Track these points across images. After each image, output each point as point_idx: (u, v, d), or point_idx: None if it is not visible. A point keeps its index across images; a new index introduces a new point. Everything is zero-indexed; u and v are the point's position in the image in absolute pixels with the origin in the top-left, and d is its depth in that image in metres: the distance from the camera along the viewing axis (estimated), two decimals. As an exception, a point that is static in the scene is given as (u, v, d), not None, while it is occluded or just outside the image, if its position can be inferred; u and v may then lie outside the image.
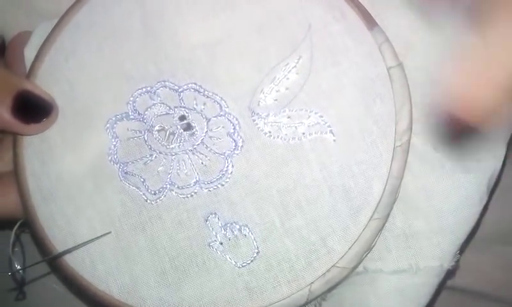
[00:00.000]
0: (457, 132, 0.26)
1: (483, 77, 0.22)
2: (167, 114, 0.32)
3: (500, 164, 0.31)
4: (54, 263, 0.32)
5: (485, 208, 0.32)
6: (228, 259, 0.30)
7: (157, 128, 0.32)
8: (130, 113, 0.32)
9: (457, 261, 0.32)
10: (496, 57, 0.22)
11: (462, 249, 0.32)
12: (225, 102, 0.31)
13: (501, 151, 0.31)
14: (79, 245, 0.31)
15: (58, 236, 0.32)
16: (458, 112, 0.23)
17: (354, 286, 0.31)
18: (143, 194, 0.31)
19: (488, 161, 0.31)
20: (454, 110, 0.23)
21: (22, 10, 0.37)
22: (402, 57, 0.31)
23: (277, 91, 0.31)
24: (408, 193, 0.31)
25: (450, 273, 0.32)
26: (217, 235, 0.31)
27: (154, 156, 0.32)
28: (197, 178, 0.31)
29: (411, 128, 0.30)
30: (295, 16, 0.31)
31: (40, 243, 0.32)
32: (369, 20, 0.30)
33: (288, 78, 0.31)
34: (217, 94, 0.31)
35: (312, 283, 0.30)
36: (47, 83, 0.33)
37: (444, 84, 0.24)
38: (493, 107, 0.22)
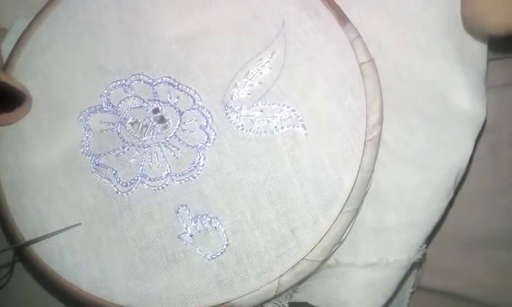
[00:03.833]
0: None
1: None
2: (140, 106, 0.29)
3: (467, 160, 0.30)
4: (23, 255, 0.29)
5: (450, 205, 0.31)
6: (198, 251, 0.28)
7: (130, 120, 0.29)
8: (103, 106, 0.29)
9: (424, 255, 0.30)
10: None
11: (428, 241, 0.30)
12: (199, 95, 0.29)
13: (469, 149, 0.30)
14: (46, 235, 0.28)
15: (28, 228, 0.29)
16: None
17: (325, 279, 0.29)
18: (114, 185, 0.29)
19: (456, 158, 0.29)
20: None
21: (10, 0, 0.34)
22: (374, 56, 0.28)
23: (250, 85, 0.28)
24: (380, 188, 0.29)
25: (415, 265, 0.30)
26: (188, 227, 0.28)
27: (126, 148, 0.29)
28: (169, 171, 0.29)
29: (381, 123, 0.28)
30: (269, 13, 0.29)
31: (10, 234, 0.29)
32: (341, 17, 0.28)
33: (261, 73, 0.28)
34: (191, 88, 0.29)
35: (281, 275, 0.27)
36: (23, 75, 0.30)
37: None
38: None
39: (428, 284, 0.37)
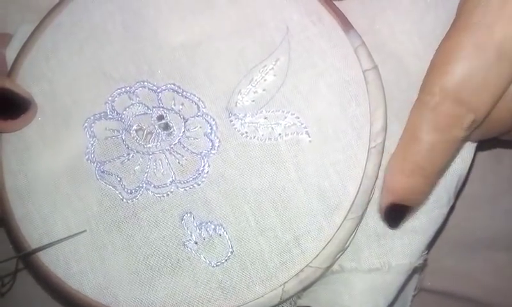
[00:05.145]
0: (398, 215, 0.27)
1: (399, 171, 0.26)
2: (145, 113, 0.29)
3: (468, 167, 0.30)
4: (29, 262, 0.28)
5: (451, 209, 0.30)
6: (203, 258, 0.27)
7: (134, 127, 0.29)
8: (108, 113, 0.29)
9: (425, 260, 0.30)
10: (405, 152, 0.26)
11: (429, 247, 0.30)
12: (203, 102, 0.28)
13: (469, 155, 0.29)
14: (51, 243, 0.27)
15: (33, 235, 0.28)
16: (391, 200, 0.26)
17: (329, 285, 0.29)
18: (119, 193, 0.28)
19: (456, 164, 0.29)
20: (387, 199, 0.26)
21: (14, 5, 0.33)
22: (379, 62, 0.28)
23: (254, 92, 0.28)
24: None
25: (417, 270, 0.30)
26: (192, 234, 0.27)
27: (131, 155, 0.29)
28: (173, 178, 0.28)
29: (385, 130, 0.27)
30: (273, 20, 0.28)
31: (15, 241, 0.29)
32: (345, 24, 0.28)
33: (265, 80, 0.28)
34: (195, 95, 0.28)
35: (286, 282, 0.27)
36: (28, 82, 0.30)
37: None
38: (412, 190, 0.26)
39: (429, 285, 0.36)
